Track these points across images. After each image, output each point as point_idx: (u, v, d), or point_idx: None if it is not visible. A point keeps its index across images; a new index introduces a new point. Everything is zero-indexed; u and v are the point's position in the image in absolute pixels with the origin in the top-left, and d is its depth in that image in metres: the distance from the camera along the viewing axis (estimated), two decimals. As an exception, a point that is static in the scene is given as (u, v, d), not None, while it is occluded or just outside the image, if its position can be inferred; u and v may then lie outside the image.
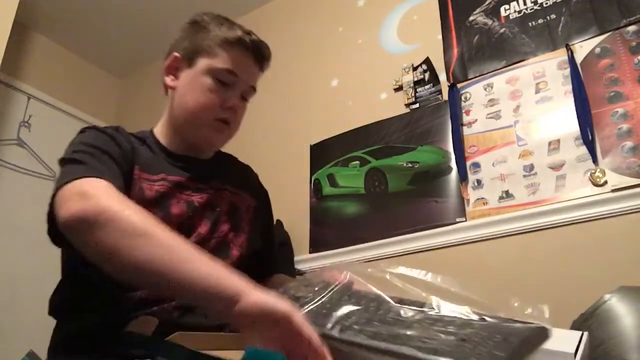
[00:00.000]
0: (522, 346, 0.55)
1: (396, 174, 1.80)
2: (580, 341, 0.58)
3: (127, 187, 0.85)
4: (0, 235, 2.27)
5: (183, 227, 0.88)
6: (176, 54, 1.01)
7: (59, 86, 2.73)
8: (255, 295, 0.60)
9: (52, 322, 0.86)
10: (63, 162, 0.83)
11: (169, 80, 1.02)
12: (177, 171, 0.96)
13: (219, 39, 0.98)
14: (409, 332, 0.58)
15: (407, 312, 0.63)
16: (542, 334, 0.58)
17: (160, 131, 1.04)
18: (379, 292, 0.69)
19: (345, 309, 0.65)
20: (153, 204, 0.87)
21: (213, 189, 0.99)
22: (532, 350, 0.56)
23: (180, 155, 1.01)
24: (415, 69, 1.92)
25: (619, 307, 0.95)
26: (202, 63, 0.98)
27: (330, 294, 0.69)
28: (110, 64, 3.01)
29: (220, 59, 0.98)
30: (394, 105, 1.92)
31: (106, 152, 0.85)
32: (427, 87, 1.87)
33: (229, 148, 1.11)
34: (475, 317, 0.62)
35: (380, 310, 0.65)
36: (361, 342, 0.57)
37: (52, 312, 0.86)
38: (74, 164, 0.81)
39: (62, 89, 2.74)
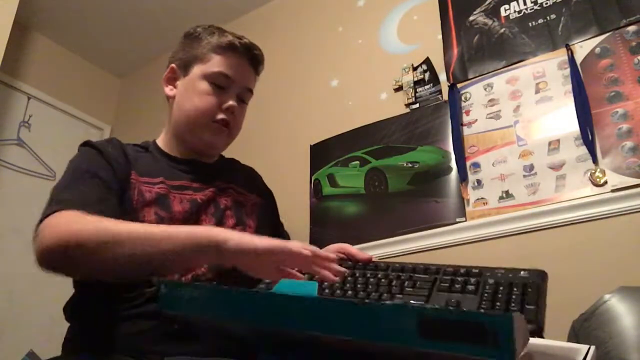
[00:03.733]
0: None
1: (396, 174, 1.80)
2: (587, 353, 0.58)
3: (125, 193, 0.90)
4: None
5: (188, 223, 0.91)
6: (173, 65, 1.08)
7: (59, 86, 2.72)
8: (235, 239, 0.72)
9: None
10: (55, 189, 0.86)
11: (167, 90, 1.08)
12: (179, 174, 1.00)
13: (210, 45, 1.04)
14: None
15: None
16: None
17: (162, 140, 1.08)
18: None
19: None
20: (153, 205, 0.90)
21: (217, 188, 1.02)
22: None
23: (182, 159, 1.04)
24: (415, 69, 1.92)
25: (619, 307, 0.95)
26: (197, 70, 1.03)
27: None
28: (110, 64, 3.00)
29: (213, 63, 1.03)
30: (394, 105, 1.91)
31: (94, 173, 0.88)
32: (427, 87, 1.87)
33: (229, 148, 1.12)
34: None
35: None
36: None
37: (68, 319, 0.89)
38: (63, 192, 0.85)
39: (62, 89, 2.73)
